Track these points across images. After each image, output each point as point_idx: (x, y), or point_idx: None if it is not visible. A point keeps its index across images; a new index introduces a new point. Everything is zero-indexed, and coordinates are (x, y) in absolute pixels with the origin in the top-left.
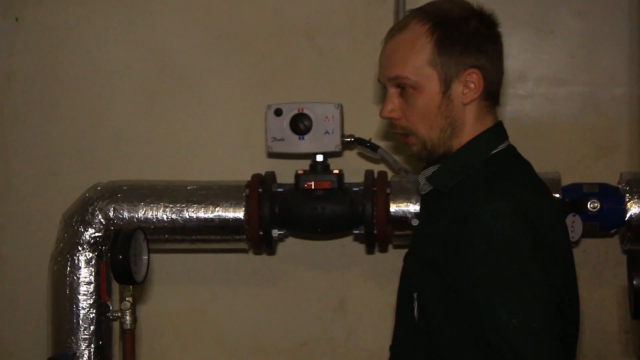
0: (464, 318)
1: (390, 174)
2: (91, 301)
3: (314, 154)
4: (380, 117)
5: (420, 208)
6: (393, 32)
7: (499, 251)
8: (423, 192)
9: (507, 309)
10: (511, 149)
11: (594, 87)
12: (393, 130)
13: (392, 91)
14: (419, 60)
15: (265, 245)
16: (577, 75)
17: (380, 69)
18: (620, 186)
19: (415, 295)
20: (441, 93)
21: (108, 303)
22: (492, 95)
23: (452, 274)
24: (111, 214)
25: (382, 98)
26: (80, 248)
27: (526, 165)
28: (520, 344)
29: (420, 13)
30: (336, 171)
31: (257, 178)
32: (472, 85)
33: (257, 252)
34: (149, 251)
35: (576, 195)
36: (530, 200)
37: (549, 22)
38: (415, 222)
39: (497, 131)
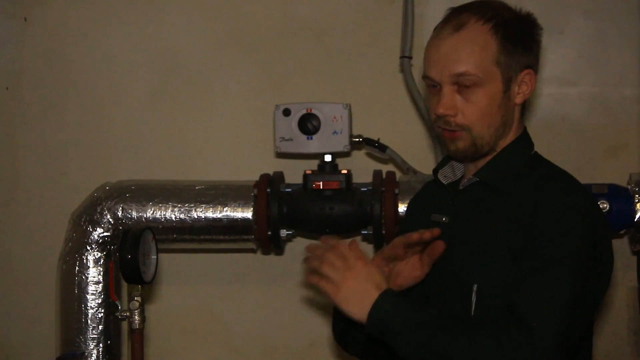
0: None
1: (398, 174)
2: (100, 301)
3: (323, 154)
4: (436, 114)
5: (440, 205)
6: (449, 31)
7: (564, 234)
8: (462, 188)
9: (551, 287)
10: (538, 153)
11: (603, 87)
12: (441, 126)
13: (449, 88)
14: (486, 58)
15: (273, 245)
16: (586, 75)
17: (436, 66)
18: (629, 187)
19: (474, 287)
20: (502, 92)
21: (117, 302)
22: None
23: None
24: (120, 213)
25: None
26: (88, 248)
27: None
28: (539, 316)
29: (475, 12)
30: (344, 171)
31: (265, 178)
32: (526, 86)
33: (265, 252)
34: (158, 251)
35: None
36: (591, 196)
37: (558, 23)
38: (446, 220)
39: (528, 135)
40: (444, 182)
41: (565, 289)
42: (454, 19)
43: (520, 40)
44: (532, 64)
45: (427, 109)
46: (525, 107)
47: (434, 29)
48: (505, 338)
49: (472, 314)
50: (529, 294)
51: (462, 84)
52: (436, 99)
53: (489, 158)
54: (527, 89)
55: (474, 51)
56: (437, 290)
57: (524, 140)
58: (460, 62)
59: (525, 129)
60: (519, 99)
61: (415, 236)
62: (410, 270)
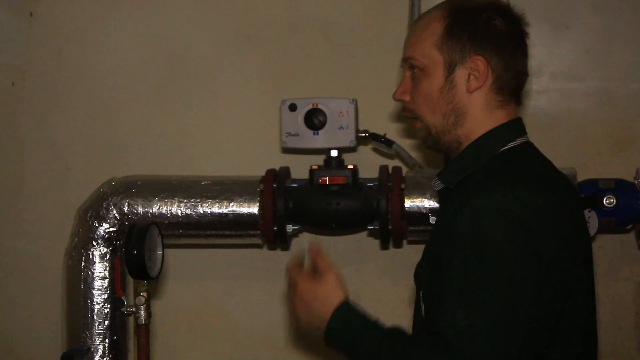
0: None
1: (405, 170)
2: (105, 296)
3: (329, 149)
4: (393, 100)
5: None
6: (417, 18)
7: (471, 249)
8: (435, 189)
9: (463, 308)
10: (525, 146)
11: (609, 82)
12: (403, 114)
13: (407, 74)
14: (428, 43)
15: (279, 241)
16: (593, 70)
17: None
18: (636, 182)
19: (421, 293)
20: (444, 77)
21: (123, 298)
22: (503, 89)
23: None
24: (125, 209)
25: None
26: (94, 243)
27: (536, 160)
28: (465, 344)
29: (445, 2)
30: (351, 166)
31: (271, 173)
32: (476, 73)
33: (272, 248)
34: (164, 246)
35: (592, 191)
36: (522, 199)
37: (565, 17)
38: (433, 220)
39: (509, 128)
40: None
41: (485, 313)
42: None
43: (470, 27)
44: (488, 54)
45: None
46: (497, 99)
47: None
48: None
49: (423, 317)
50: (447, 317)
51: (412, 69)
52: None
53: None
54: (480, 77)
55: (420, 36)
56: (414, 292)
57: (492, 137)
58: (408, 47)
59: (505, 124)
60: (470, 87)
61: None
62: None
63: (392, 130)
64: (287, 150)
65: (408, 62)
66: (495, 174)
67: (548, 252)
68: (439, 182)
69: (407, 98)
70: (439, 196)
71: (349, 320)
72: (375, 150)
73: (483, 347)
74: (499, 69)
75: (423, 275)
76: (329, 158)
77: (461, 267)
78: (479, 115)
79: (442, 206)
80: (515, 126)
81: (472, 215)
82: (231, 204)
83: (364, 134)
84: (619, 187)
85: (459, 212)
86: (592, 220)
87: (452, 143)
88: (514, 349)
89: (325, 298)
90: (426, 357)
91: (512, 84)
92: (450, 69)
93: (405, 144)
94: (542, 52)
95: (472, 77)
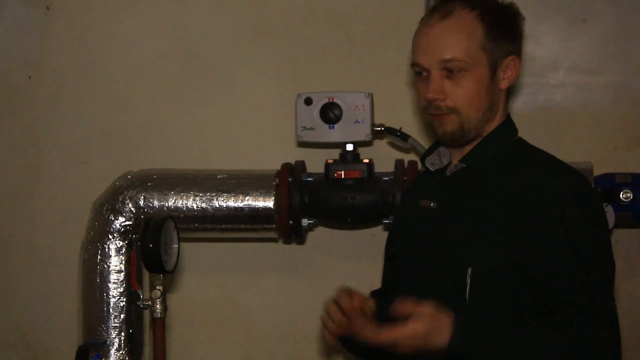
0: (519, 292)
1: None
2: (121, 289)
3: (344, 143)
4: (426, 99)
5: (428, 191)
6: (436, 19)
7: (571, 221)
8: (449, 174)
9: (602, 271)
10: (522, 138)
11: (626, 76)
12: (432, 112)
13: (438, 73)
14: (473, 44)
15: (294, 235)
16: (609, 64)
17: (424, 52)
18: None
19: (469, 271)
20: (489, 77)
21: (138, 291)
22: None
23: (519, 246)
24: (141, 202)
25: (412, 83)
26: (110, 236)
27: None
28: (608, 315)
29: (461, 1)
30: (366, 160)
31: (287, 167)
32: (510, 72)
33: (287, 242)
34: (179, 240)
35: (609, 185)
36: (584, 179)
37: (582, 11)
38: (434, 205)
39: (512, 121)
40: (432, 169)
41: (606, 272)
42: (440, 8)
43: (504, 27)
44: (516, 50)
45: None
46: (510, 93)
47: (421, 19)
48: (589, 334)
49: (467, 296)
50: (577, 286)
51: (451, 69)
52: (425, 85)
53: (474, 144)
54: (512, 75)
55: (461, 38)
56: (426, 275)
57: (508, 125)
58: (448, 49)
59: (509, 115)
60: (504, 85)
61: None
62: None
63: (407, 124)
64: (302, 144)
65: (448, 63)
66: (536, 158)
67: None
68: (457, 166)
69: (443, 96)
70: (439, 180)
71: (474, 340)
72: (390, 144)
73: (607, 302)
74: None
75: (470, 254)
76: (345, 152)
77: (588, 241)
78: (502, 109)
79: (457, 189)
80: (512, 120)
81: (575, 190)
82: (247, 198)
83: (379, 128)
84: (636, 181)
85: (538, 192)
86: (609, 214)
87: (473, 136)
88: None
89: (434, 332)
90: (591, 332)
91: None
92: (493, 68)
93: (421, 138)
94: (558, 45)
95: (507, 75)
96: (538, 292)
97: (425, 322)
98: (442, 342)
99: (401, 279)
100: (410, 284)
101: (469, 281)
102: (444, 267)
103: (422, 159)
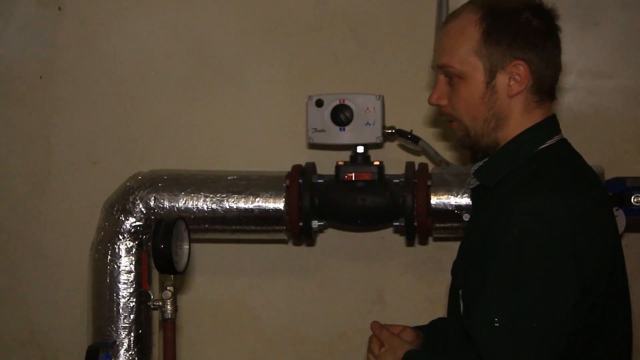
0: None
1: (431, 166)
2: (131, 290)
3: (355, 145)
4: (429, 104)
5: (472, 203)
6: (448, 19)
7: (511, 252)
8: (471, 187)
9: (498, 309)
10: (562, 144)
11: (638, 80)
12: (441, 117)
13: (441, 78)
14: (466, 49)
15: (304, 236)
16: (621, 68)
17: (434, 55)
18: None
19: (460, 292)
20: (485, 83)
21: (149, 292)
22: (542, 89)
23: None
24: (152, 203)
25: (433, 85)
26: (120, 237)
27: (574, 160)
28: (497, 348)
29: (476, 2)
30: (377, 163)
31: (297, 169)
32: (517, 78)
33: (297, 243)
34: (190, 241)
35: (620, 189)
36: (565, 201)
37: (594, 14)
38: (466, 217)
39: (547, 126)
40: (472, 183)
41: (523, 314)
42: (460, 7)
43: (508, 31)
44: (529, 57)
45: None
46: (534, 100)
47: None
48: None
49: (462, 316)
50: (476, 320)
51: (448, 76)
52: None
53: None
54: (521, 81)
55: (455, 43)
56: (451, 292)
57: (529, 135)
58: (442, 54)
59: (543, 120)
60: (511, 92)
61: None
62: None
63: (418, 127)
64: (313, 146)
65: (443, 69)
66: (537, 175)
67: (590, 256)
68: (475, 179)
69: (444, 102)
70: (473, 193)
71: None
72: (401, 146)
73: (514, 351)
74: (539, 70)
75: (461, 273)
76: (355, 154)
77: (500, 270)
78: (519, 117)
79: (478, 203)
80: (551, 124)
81: (516, 218)
82: (257, 199)
83: (390, 130)
84: None
85: (503, 214)
86: (620, 218)
87: (490, 144)
88: (548, 353)
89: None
90: None
91: (550, 82)
92: (491, 74)
93: (432, 140)
94: (570, 49)
95: (513, 82)
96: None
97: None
98: None
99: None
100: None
101: (461, 302)
102: (452, 284)
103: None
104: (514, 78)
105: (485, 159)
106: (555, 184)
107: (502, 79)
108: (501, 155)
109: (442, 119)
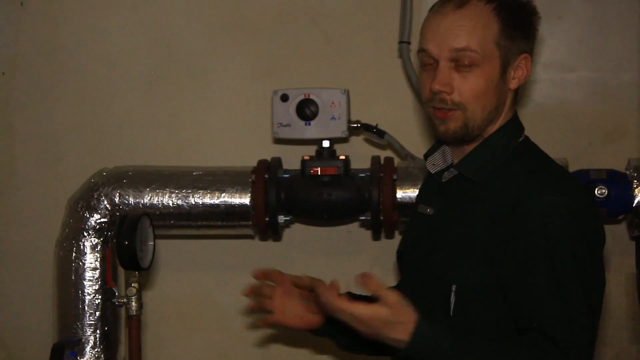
0: (504, 310)
1: (397, 160)
2: (97, 287)
3: (320, 140)
4: (432, 91)
5: (428, 195)
6: (450, 8)
7: (563, 242)
8: (444, 180)
9: (572, 297)
10: (529, 139)
11: (601, 72)
12: (436, 105)
13: (447, 64)
14: (487, 37)
15: (271, 231)
16: (584, 60)
17: (435, 39)
18: (628, 172)
19: (453, 287)
20: (499, 74)
21: (114, 289)
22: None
23: (501, 265)
24: (117, 199)
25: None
26: (85, 234)
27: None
28: (571, 336)
29: None
30: (342, 157)
31: (263, 164)
32: (521, 71)
33: (263, 238)
34: (155, 237)
35: (584, 181)
36: (583, 192)
37: (557, 7)
38: (431, 211)
39: (518, 120)
40: (432, 170)
41: (582, 302)
42: None
43: (520, 24)
44: (529, 49)
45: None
46: (519, 93)
47: (432, 7)
48: None
49: (451, 314)
50: (551, 313)
51: (461, 62)
52: (431, 76)
53: (475, 145)
54: (523, 74)
55: (476, 28)
56: (419, 287)
57: (512, 126)
58: (461, 38)
59: (515, 113)
60: (513, 84)
61: (306, 280)
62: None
63: (384, 121)
64: (278, 141)
65: (460, 53)
66: (532, 168)
67: (605, 242)
68: (451, 172)
69: (450, 89)
70: (441, 186)
71: (434, 343)
72: (367, 140)
73: (582, 337)
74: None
75: (456, 270)
76: (321, 148)
77: (559, 260)
78: (507, 110)
79: (452, 197)
80: (519, 119)
81: (551, 212)
82: (223, 195)
83: (356, 125)
84: (610, 177)
85: (520, 207)
86: None
87: (476, 136)
88: (596, 336)
89: (396, 323)
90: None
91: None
92: (504, 66)
93: (397, 134)
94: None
95: (517, 75)
96: (514, 313)
97: (389, 310)
98: (401, 338)
99: (399, 282)
100: (404, 288)
101: (453, 298)
102: (431, 280)
103: (425, 157)
104: (519, 71)
105: (440, 150)
106: (568, 178)
107: (510, 72)
108: (484, 148)
109: (434, 107)
